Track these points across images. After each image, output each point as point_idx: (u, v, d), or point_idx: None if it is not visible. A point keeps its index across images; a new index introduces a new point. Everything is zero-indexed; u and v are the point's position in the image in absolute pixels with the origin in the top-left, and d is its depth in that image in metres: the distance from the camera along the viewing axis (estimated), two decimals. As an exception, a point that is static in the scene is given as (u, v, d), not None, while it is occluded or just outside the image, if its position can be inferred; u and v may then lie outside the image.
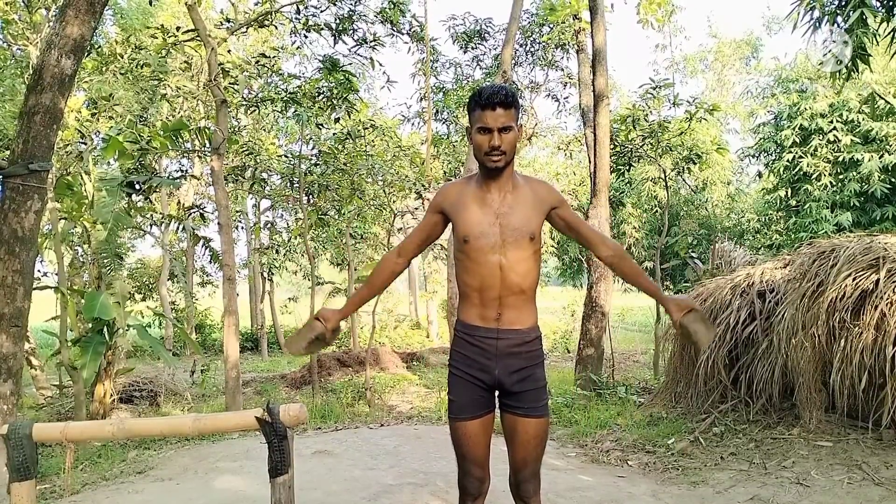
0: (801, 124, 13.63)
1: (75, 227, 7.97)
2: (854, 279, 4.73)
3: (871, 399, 4.67)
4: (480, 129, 2.35)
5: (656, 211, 18.13)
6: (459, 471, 2.53)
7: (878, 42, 5.06)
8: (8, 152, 5.08)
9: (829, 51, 5.00)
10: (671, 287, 16.29)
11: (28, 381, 8.87)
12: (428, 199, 13.81)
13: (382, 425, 7.33)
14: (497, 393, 2.49)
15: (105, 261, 7.75)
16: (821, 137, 13.38)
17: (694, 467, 4.90)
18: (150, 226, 17.17)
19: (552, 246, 18.70)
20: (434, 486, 4.55)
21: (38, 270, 11.65)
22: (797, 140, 13.74)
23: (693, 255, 14.31)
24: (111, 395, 7.56)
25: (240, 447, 5.92)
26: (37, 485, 2.33)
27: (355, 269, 14.47)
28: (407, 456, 5.49)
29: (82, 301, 7.10)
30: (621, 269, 2.60)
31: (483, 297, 2.41)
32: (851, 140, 12.96)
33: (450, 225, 2.54)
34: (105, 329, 7.11)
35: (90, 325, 7.15)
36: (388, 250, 2.65)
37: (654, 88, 10.23)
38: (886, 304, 4.54)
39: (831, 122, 13.29)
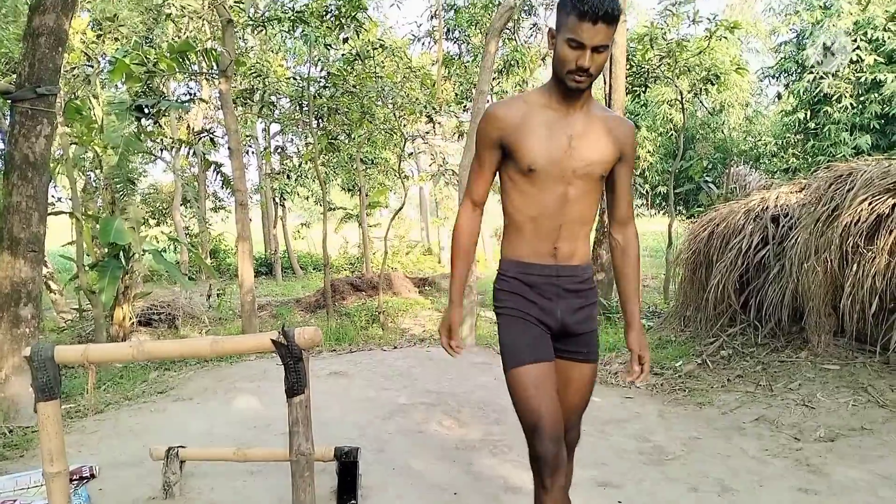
0: (824, 43, 13.18)
1: (86, 152, 7.93)
2: (870, 203, 4.67)
3: (881, 323, 4.70)
4: (571, 42, 1.94)
5: (671, 134, 17.83)
6: (529, 438, 2.05)
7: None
8: (14, 76, 5.02)
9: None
10: (684, 212, 16.20)
11: (48, 305, 9.06)
12: (439, 123, 13.60)
13: (395, 347, 7.48)
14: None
15: (118, 186, 7.77)
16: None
17: (701, 389, 5.00)
18: (161, 150, 17.12)
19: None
20: (446, 406, 4.68)
21: (52, 196, 11.73)
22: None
23: (707, 179, 14.15)
24: (130, 319, 7.72)
25: (257, 368, 6.08)
26: (62, 404, 2.41)
27: (366, 195, 14.43)
28: (419, 377, 5.62)
29: (97, 226, 7.16)
30: (618, 262, 2.30)
31: (539, 228, 2.13)
32: (875, 60, 12.55)
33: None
34: (121, 254, 7.20)
35: (106, 251, 7.24)
36: (463, 205, 2.27)
37: (673, 5, 9.88)
38: (902, 229, 4.50)
39: (855, 40, 12.84)
